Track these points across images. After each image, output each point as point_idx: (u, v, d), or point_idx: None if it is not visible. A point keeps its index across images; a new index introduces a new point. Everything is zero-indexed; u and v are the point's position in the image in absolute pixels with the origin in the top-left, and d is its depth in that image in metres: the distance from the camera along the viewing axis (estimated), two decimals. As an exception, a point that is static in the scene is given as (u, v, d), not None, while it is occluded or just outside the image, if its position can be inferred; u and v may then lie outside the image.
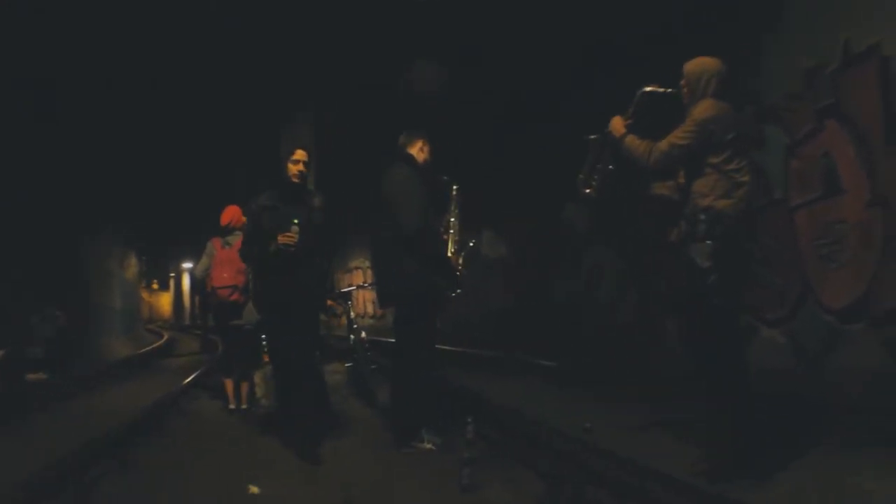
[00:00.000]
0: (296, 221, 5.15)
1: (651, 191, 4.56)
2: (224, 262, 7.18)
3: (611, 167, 4.52)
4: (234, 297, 7.11)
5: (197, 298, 32.59)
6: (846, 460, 4.04)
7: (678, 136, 4.11)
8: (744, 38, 6.87)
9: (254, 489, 4.26)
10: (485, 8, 8.18)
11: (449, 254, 5.55)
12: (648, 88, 4.41)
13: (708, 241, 3.96)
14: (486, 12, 8.24)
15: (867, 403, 5.03)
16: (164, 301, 53.44)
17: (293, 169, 5.39)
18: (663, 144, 4.15)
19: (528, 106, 11.26)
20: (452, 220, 5.72)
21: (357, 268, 21.82)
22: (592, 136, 4.59)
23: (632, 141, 4.30)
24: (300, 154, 5.43)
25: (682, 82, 4.30)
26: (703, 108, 4.09)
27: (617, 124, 4.41)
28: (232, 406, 7.35)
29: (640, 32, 8.15)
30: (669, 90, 4.36)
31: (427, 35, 8.86)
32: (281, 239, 5.09)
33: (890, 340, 5.23)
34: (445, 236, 5.63)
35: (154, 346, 19.89)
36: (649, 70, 4.68)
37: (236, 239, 7.12)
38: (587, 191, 4.60)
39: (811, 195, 6.06)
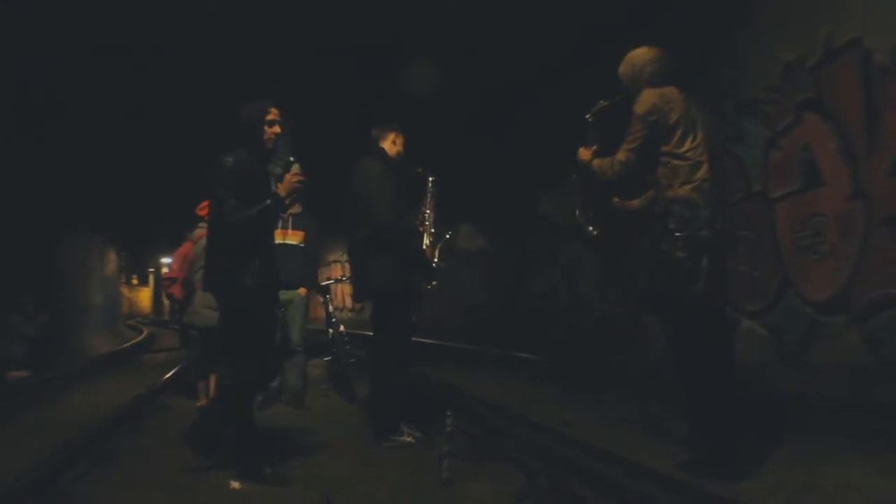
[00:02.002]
0: (292, 159, 4.57)
1: (624, 206, 4.68)
2: (178, 255, 7.15)
3: (599, 194, 4.63)
4: (172, 289, 7.06)
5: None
6: (824, 454, 4.04)
7: (628, 141, 4.16)
8: (721, 31, 6.89)
9: (235, 485, 4.22)
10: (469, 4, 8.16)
11: (424, 246, 5.52)
12: (595, 109, 4.51)
13: (678, 233, 3.93)
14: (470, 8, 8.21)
15: (847, 397, 5.05)
16: (144, 296, 53.32)
17: (269, 132, 4.47)
18: (620, 154, 4.20)
19: (507, 98, 11.23)
20: (428, 212, 5.68)
21: (335, 261, 21.77)
22: (574, 177, 4.69)
23: (598, 164, 4.37)
24: (275, 113, 4.50)
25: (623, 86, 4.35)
26: (641, 103, 4.12)
27: (583, 155, 4.48)
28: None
29: (614, 27, 8.16)
30: (617, 98, 4.40)
31: (410, 29, 8.82)
32: (294, 179, 4.36)
33: (870, 333, 5.25)
34: (421, 228, 5.60)
35: (134, 341, 19.76)
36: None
37: (199, 231, 6.93)
38: (591, 229, 4.72)
39: (791, 187, 6.08)
